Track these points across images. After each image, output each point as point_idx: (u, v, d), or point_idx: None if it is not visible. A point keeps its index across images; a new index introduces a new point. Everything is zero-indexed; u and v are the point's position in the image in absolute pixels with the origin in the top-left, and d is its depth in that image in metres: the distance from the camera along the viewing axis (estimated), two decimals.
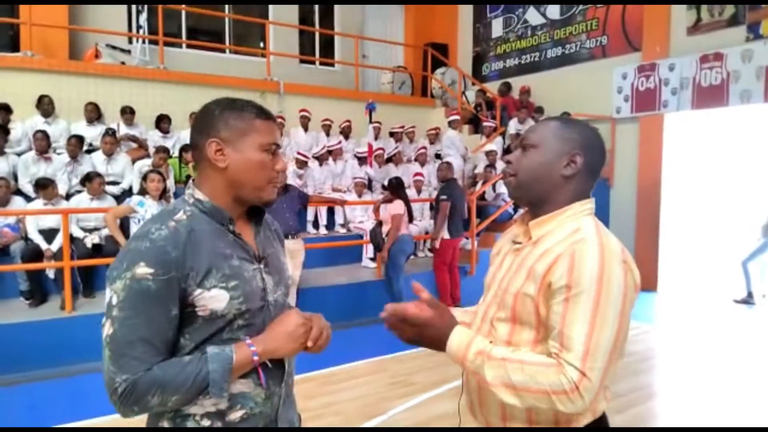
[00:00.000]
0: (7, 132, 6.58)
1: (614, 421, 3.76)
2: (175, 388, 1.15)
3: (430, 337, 1.33)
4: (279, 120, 7.94)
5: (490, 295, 1.46)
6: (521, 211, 1.53)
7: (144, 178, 5.03)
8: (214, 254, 1.23)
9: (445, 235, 6.71)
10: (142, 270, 1.15)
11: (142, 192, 5.02)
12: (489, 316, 1.43)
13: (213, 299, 1.21)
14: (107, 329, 1.16)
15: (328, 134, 9.27)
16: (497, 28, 11.49)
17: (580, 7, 9.77)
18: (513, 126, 9.55)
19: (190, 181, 1.35)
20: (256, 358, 1.22)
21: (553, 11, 10.31)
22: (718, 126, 8.31)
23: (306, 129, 9.00)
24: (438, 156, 9.27)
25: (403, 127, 9.72)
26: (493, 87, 10.94)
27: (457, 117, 9.41)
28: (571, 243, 1.27)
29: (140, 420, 1.28)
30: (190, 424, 1.24)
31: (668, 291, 8.23)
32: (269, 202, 1.35)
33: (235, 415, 1.26)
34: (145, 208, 4.94)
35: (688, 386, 4.59)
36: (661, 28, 8.38)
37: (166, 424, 1.26)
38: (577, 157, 1.36)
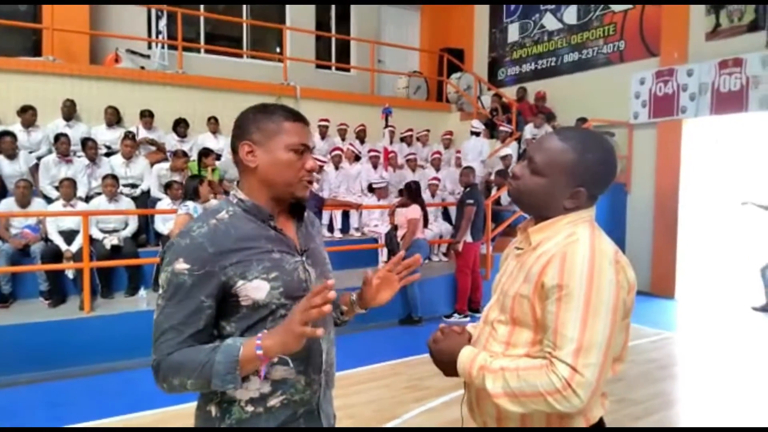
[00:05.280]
0: (14, 137, 6.58)
1: None
2: (187, 374, 1.23)
3: (445, 364, 1.48)
4: None
5: (493, 299, 1.51)
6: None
7: (198, 184, 5.34)
8: (254, 249, 1.31)
9: (468, 238, 6.70)
10: (180, 266, 1.26)
11: (194, 195, 5.34)
12: (490, 319, 1.47)
13: (255, 290, 1.29)
14: (154, 315, 1.30)
15: (343, 138, 9.33)
16: (513, 33, 11.47)
17: (598, 12, 9.72)
18: (529, 131, 9.53)
19: (235, 183, 1.41)
20: (260, 352, 1.19)
21: (570, 16, 10.26)
22: (737, 132, 8.20)
23: (324, 137, 9.02)
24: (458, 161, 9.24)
25: (411, 130, 9.73)
26: (508, 92, 10.90)
27: (481, 125, 9.37)
28: (564, 245, 1.31)
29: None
30: (235, 409, 1.33)
31: (686, 298, 8.13)
32: (302, 198, 1.41)
33: (276, 400, 1.35)
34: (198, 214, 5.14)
35: (707, 394, 4.52)
36: (680, 33, 8.30)
37: (213, 409, 1.35)
38: (581, 194, 1.37)
